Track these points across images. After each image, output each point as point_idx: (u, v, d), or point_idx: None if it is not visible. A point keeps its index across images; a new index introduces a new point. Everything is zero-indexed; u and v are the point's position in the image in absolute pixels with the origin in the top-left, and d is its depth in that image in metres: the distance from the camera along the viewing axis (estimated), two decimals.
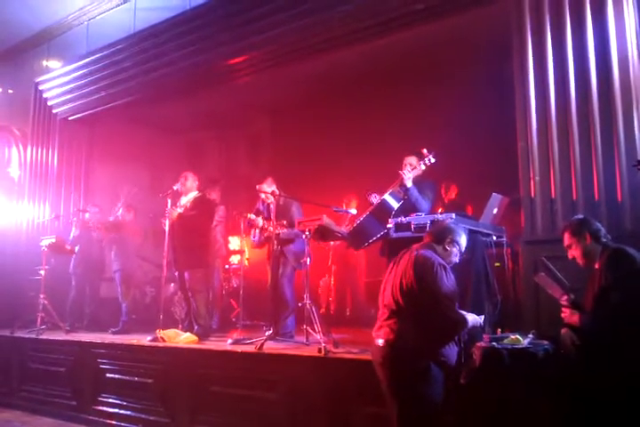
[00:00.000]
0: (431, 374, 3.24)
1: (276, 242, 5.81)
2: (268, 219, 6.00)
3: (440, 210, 6.16)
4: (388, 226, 4.77)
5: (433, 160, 5.12)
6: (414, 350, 3.26)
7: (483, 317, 3.55)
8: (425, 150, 5.16)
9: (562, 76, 4.67)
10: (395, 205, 5.02)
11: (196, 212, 6.32)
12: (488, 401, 3.38)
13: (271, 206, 5.98)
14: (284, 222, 5.80)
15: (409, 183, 5.07)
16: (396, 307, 3.35)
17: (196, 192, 6.55)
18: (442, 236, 3.55)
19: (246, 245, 6.97)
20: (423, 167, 5.15)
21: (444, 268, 3.38)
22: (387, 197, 5.06)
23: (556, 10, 4.75)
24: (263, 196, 6.15)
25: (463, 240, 3.58)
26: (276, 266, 5.90)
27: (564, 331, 3.41)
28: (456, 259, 3.59)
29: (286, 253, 5.87)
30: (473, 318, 3.44)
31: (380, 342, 3.36)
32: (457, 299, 3.40)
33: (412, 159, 5.31)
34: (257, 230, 6.13)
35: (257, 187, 6.13)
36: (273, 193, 6.00)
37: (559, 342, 3.43)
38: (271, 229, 5.82)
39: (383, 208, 5.02)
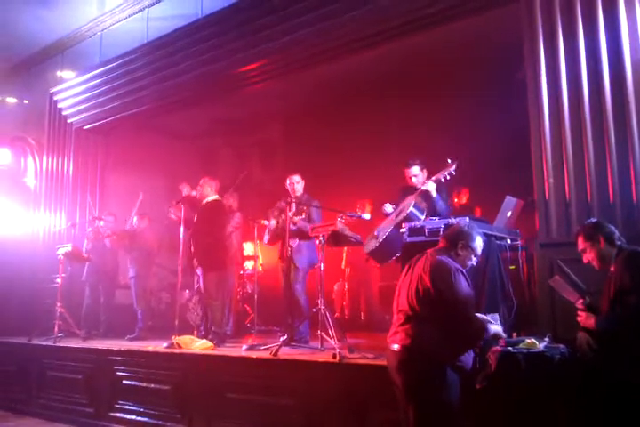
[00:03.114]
0: (447, 379, 3.22)
1: (289, 243, 5.79)
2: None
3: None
4: (402, 230, 4.77)
5: (453, 172, 5.08)
6: (431, 355, 3.24)
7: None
8: (449, 160, 5.10)
9: (575, 78, 4.63)
10: (421, 216, 5.05)
11: (205, 216, 6.32)
12: (504, 406, 3.35)
13: (293, 203, 5.97)
14: (303, 215, 5.83)
15: (434, 193, 5.13)
16: (412, 312, 3.33)
17: (213, 197, 6.50)
18: (454, 240, 3.53)
19: (260, 251, 6.99)
20: (448, 177, 5.12)
21: (462, 273, 3.36)
22: (412, 209, 5.06)
23: (567, 13, 4.73)
24: (288, 184, 6.13)
25: (478, 243, 3.55)
26: (287, 272, 5.92)
27: (580, 335, 3.37)
28: (472, 262, 3.56)
29: (296, 262, 5.88)
30: (497, 329, 3.41)
31: (396, 346, 3.34)
32: (474, 304, 3.38)
33: (416, 169, 5.35)
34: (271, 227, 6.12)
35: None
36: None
37: (575, 345, 3.40)
38: (290, 214, 5.76)
39: (410, 221, 4.99)
